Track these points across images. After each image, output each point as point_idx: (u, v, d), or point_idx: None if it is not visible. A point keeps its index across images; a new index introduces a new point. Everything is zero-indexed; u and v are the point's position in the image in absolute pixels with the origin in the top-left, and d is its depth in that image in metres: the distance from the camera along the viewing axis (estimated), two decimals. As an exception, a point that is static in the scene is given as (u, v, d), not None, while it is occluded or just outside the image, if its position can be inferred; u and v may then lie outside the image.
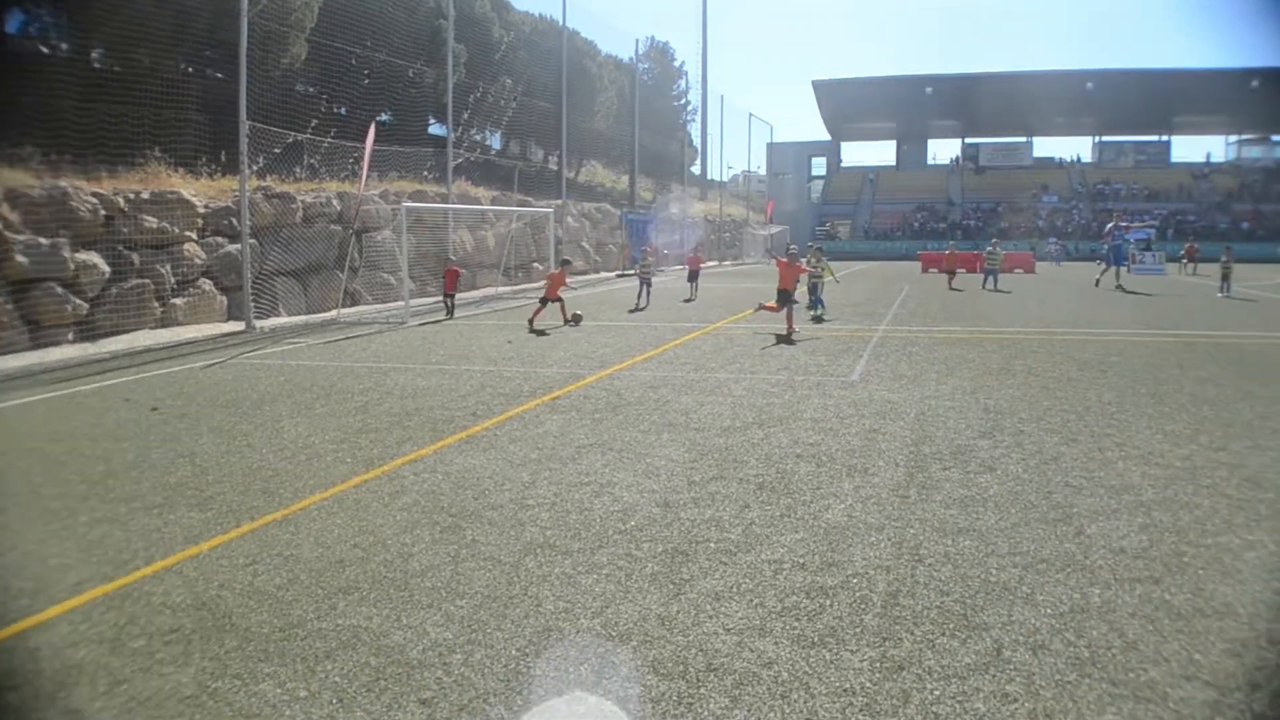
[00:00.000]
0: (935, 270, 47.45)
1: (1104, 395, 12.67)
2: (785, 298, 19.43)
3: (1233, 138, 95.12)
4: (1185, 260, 50.25)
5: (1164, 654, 5.09)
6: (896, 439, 10.08)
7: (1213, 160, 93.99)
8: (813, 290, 24.17)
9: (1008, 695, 4.65)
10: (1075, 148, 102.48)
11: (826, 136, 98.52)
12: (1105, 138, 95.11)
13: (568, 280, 22.70)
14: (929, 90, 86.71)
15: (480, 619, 5.56)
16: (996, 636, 5.28)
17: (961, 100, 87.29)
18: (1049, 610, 5.63)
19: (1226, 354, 16.74)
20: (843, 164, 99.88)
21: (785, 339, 18.68)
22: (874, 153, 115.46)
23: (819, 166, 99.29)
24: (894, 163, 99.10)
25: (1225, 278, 32.28)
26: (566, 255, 31.44)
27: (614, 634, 5.35)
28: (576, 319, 21.79)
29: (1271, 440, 10.04)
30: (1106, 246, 38.40)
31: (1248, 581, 6.10)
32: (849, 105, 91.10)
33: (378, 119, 31.17)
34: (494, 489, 8.25)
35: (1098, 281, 36.04)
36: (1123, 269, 37.42)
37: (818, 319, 22.62)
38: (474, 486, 8.33)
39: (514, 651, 5.14)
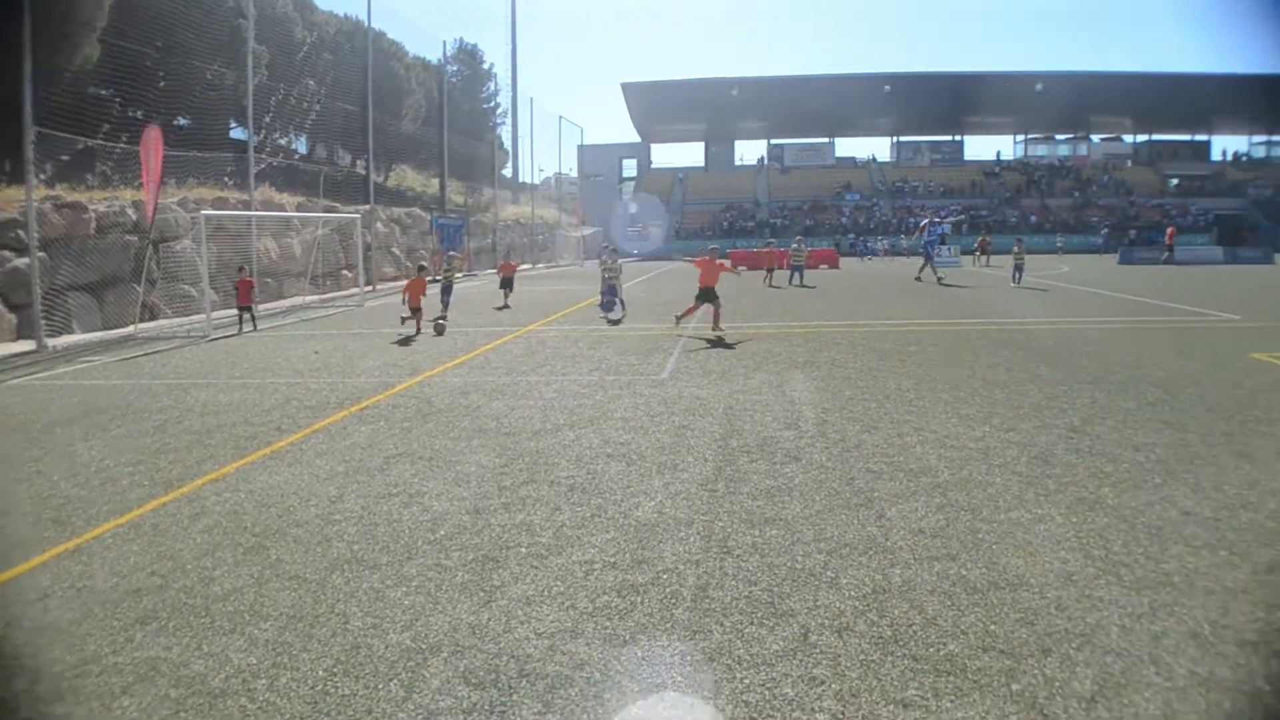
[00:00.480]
0: (745, 268, 48.52)
1: (903, 383, 13.16)
2: (708, 295, 19.60)
3: (1020, 137, 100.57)
4: (979, 253, 52.81)
5: (962, 627, 5.32)
6: (705, 434, 10.24)
7: (1002, 158, 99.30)
8: (610, 291, 24.35)
9: (815, 678, 4.78)
10: (875, 147, 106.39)
11: (637, 138, 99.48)
12: (903, 138, 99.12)
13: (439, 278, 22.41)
14: (735, 92, 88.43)
15: (285, 641, 5.38)
16: (803, 622, 5.42)
17: (767, 102, 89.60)
18: (853, 593, 5.81)
19: (1017, 340, 17.61)
20: (653, 165, 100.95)
21: (720, 342, 18.33)
22: (684, 154, 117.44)
23: (630, 168, 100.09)
24: (703, 163, 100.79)
25: (1018, 268, 34.05)
26: (423, 263, 30.13)
27: (424, 646, 5.26)
28: (439, 327, 21.30)
29: (1059, 419, 10.61)
30: (923, 242, 39.83)
31: (1038, 553, 6.44)
32: (658, 107, 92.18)
33: (175, 122, 29.90)
34: (299, 505, 8.00)
35: (918, 277, 37.25)
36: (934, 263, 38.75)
37: (614, 321, 22.68)
38: (278, 504, 8.06)
39: (321, 673, 5.00)
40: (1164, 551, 6.47)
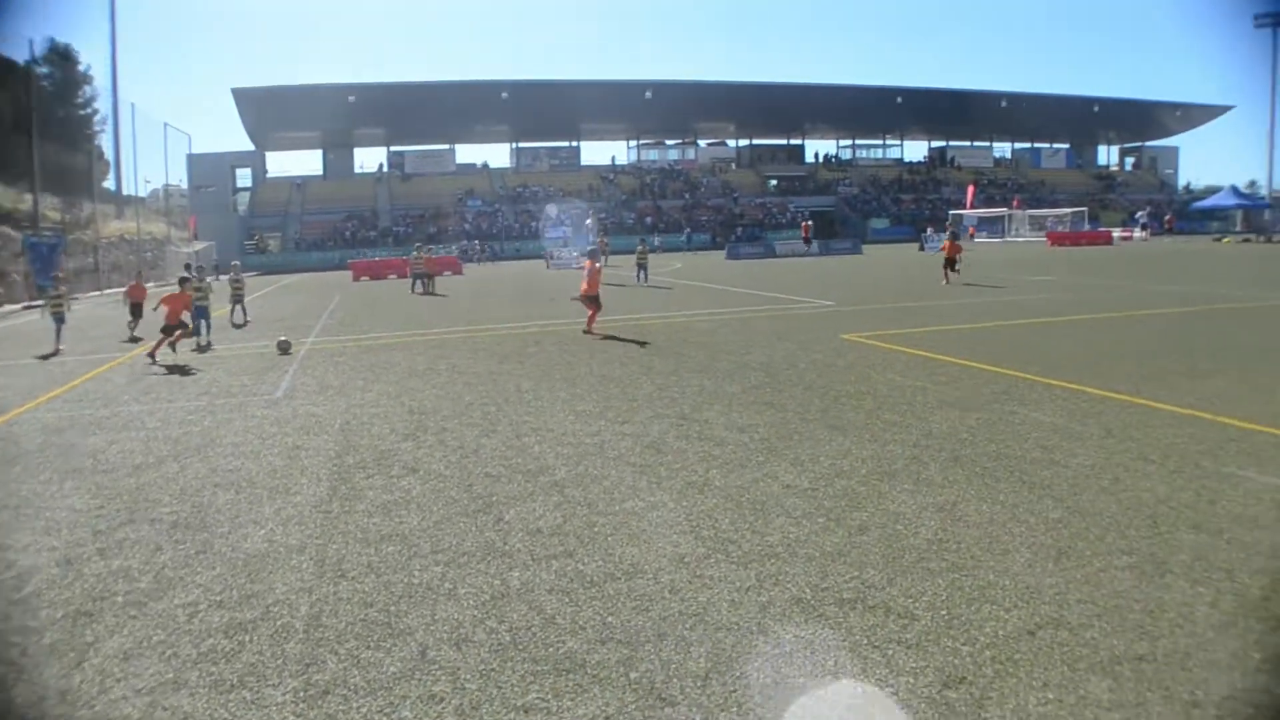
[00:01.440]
0: (368, 278, 47.59)
1: (522, 384, 13.20)
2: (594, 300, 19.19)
3: (633, 142, 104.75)
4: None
5: (580, 622, 5.30)
6: (320, 453, 9.75)
7: (617, 163, 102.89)
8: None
9: (435, 696, 4.60)
10: (495, 154, 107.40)
11: (251, 146, 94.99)
12: (522, 143, 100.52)
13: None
14: (353, 99, 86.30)
15: None
16: (421, 639, 5.21)
17: (386, 108, 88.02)
18: (471, 602, 5.66)
19: (634, 335, 18.16)
20: (269, 174, 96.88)
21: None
22: (301, 162, 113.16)
23: (244, 178, 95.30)
24: (321, 172, 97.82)
25: (642, 267, 35.23)
26: (186, 274, 25.53)
27: (-12, 724, 4.61)
28: (183, 335, 18.84)
29: (669, 409, 10.97)
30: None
31: (653, 540, 6.55)
32: (273, 114, 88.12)
33: None
34: None
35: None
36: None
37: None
38: None
39: None
40: (768, 525, 6.77)
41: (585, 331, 19.12)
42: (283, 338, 19.24)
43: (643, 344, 16.95)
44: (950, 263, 30.61)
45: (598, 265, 20.35)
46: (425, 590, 5.89)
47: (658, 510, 7.20)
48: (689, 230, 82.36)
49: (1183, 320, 18.82)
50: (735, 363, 14.22)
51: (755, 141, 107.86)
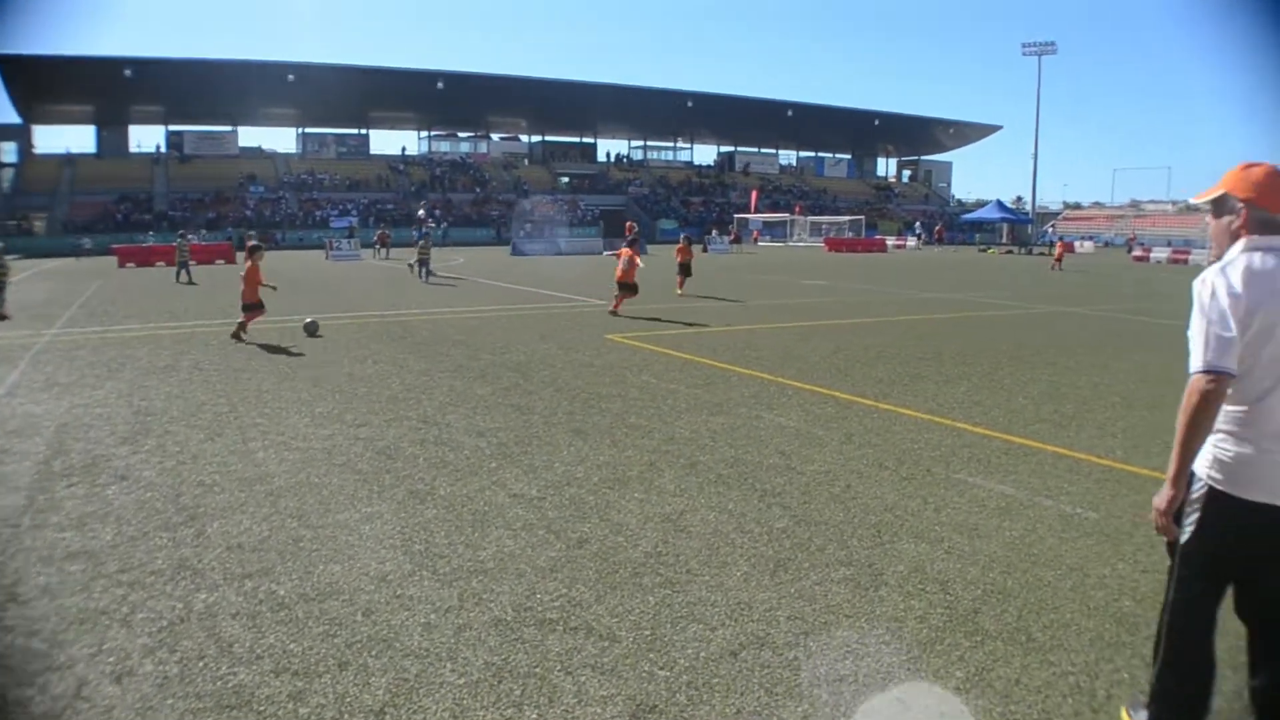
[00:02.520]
0: (134, 265, 45.11)
1: (264, 383, 12.48)
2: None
3: (424, 133, 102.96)
4: (379, 246, 53.56)
5: (258, 650, 4.85)
6: (27, 458, 8.80)
7: (408, 153, 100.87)
8: None
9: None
10: (282, 138, 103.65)
11: (16, 119, 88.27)
12: (309, 129, 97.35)
13: None
14: (129, 73, 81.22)
15: None
16: (81, 673, 4.61)
17: (165, 86, 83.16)
18: (146, 629, 5.10)
19: (394, 332, 17.66)
20: (37, 150, 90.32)
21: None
22: (75, 138, 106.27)
23: (10, 153, 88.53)
24: (95, 149, 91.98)
25: (422, 263, 34.25)
26: None
27: None
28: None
29: (412, 410, 10.55)
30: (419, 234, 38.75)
31: (358, 555, 6.13)
32: (42, 86, 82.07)
33: None
34: None
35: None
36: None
37: None
38: None
39: None
40: (484, 538, 6.44)
41: (611, 312, 20.77)
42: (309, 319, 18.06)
43: (401, 340, 16.38)
44: (684, 267, 28.29)
45: (636, 257, 21.45)
46: (99, 615, 5.28)
47: (372, 522, 6.76)
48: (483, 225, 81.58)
49: (941, 326, 19.56)
50: (492, 362, 13.87)
51: (548, 138, 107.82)
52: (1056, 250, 53.56)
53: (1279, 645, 3.79)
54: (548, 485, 7.67)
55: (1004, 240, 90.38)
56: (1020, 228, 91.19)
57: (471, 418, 10.17)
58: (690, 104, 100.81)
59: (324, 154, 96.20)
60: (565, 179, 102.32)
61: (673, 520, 6.83)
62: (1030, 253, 75.83)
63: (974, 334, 18.17)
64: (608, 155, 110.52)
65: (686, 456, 8.62)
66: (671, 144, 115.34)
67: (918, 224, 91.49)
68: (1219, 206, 3.77)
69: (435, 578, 5.76)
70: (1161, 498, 3.65)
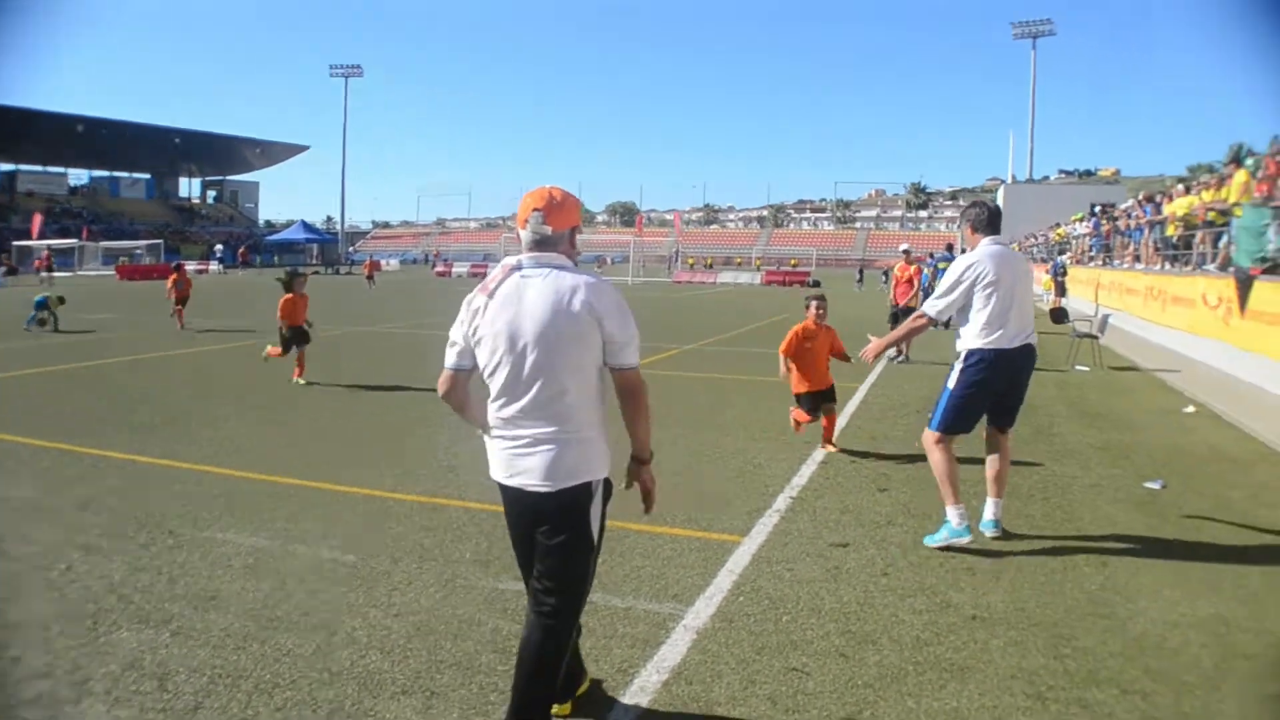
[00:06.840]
0: None
1: None
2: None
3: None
4: None
5: None
6: None
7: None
8: None
9: None
10: None
11: None
12: None
13: None
14: None
15: None
16: None
17: None
18: None
19: None
20: None
21: None
22: None
23: None
24: None
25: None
26: None
27: None
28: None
29: None
30: None
31: None
32: None
33: None
34: None
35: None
36: None
37: None
38: None
39: None
40: None
41: None
42: None
43: None
44: None
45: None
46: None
47: None
48: None
49: (216, 358, 18.26)
50: None
51: None
52: (365, 268, 56.38)
53: None
54: None
55: (314, 260, 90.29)
56: (329, 247, 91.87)
57: None
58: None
59: None
60: None
61: None
62: (339, 272, 76.55)
63: (246, 365, 16.87)
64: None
65: None
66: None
67: (219, 247, 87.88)
68: None
69: None
70: None
